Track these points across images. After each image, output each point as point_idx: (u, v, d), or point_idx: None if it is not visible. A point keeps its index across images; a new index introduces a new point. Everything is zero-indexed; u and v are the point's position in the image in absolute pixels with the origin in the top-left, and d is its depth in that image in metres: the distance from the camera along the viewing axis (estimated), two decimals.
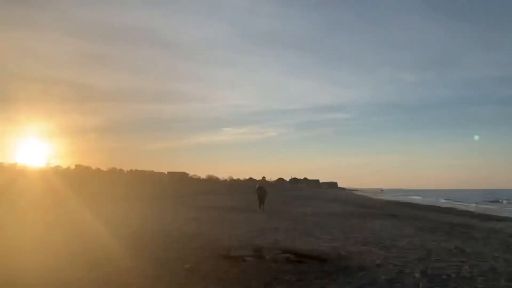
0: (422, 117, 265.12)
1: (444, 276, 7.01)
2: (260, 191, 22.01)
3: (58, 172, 58.32)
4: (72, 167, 77.41)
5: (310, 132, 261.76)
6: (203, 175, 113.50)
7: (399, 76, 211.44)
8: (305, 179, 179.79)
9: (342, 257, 8.67)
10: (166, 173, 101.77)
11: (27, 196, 21.38)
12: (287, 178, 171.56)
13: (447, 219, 22.33)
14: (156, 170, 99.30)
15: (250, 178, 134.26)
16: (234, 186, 79.79)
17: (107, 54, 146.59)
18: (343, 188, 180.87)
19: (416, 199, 71.44)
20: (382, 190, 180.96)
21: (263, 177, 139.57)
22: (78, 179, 42.77)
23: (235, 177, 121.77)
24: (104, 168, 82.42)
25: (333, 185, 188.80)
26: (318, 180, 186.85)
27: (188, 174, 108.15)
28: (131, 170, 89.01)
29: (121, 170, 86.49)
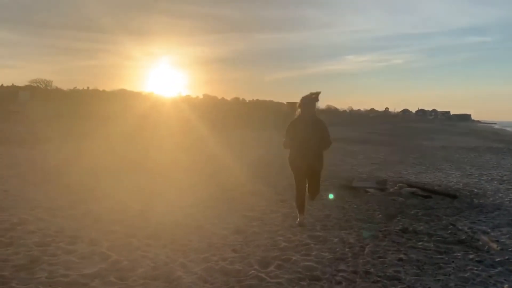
0: None
1: None
2: (310, 131, 5.29)
3: (189, 101, 63.12)
4: (201, 96, 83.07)
5: (443, 59, 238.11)
6: (321, 105, 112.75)
7: None
8: (434, 110, 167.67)
9: (475, 195, 8.07)
10: (286, 103, 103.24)
11: (163, 123, 23.76)
12: (413, 110, 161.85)
13: None
14: (275, 100, 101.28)
15: (372, 109, 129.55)
16: (355, 117, 77.91)
17: None
18: (478, 121, 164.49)
19: None
20: None
21: (390, 109, 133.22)
22: (206, 108, 45.83)
23: (355, 108, 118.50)
24: (228, 97, 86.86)
25: (465, 117, 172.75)
26: (449, 112, 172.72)
27: None
28: (252, 100, 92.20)
29: (243, 100, 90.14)
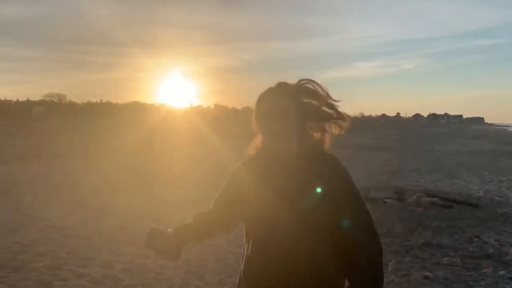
0: None
1: None
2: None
3: (200, 111, 63.28)
4: (212, 106, 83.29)
5: (453, 62, 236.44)
6: None
7: None
8: (446, 114, 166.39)
9: (497, 203, 7.79)
10: None
11: (175, 134, 23.74)
12: (425, 114, 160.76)
13: None
14: None
15: (383, 114, 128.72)
16: (366, 123, 77.39)
17: None
18: (491, 124, 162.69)
19: None
20: None
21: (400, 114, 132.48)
22: (217, 118, 45.86)
23: (366, 114, 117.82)
24: (239, 107, 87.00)
25: (478, 120, 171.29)
26: (461, 116, 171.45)
27: None
28: None
29: None
